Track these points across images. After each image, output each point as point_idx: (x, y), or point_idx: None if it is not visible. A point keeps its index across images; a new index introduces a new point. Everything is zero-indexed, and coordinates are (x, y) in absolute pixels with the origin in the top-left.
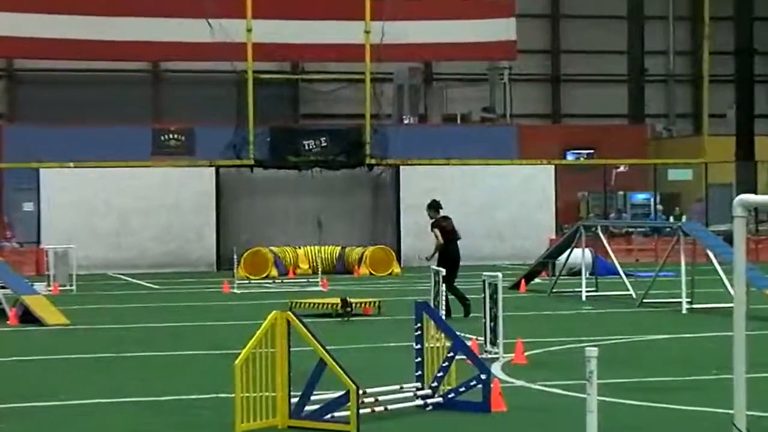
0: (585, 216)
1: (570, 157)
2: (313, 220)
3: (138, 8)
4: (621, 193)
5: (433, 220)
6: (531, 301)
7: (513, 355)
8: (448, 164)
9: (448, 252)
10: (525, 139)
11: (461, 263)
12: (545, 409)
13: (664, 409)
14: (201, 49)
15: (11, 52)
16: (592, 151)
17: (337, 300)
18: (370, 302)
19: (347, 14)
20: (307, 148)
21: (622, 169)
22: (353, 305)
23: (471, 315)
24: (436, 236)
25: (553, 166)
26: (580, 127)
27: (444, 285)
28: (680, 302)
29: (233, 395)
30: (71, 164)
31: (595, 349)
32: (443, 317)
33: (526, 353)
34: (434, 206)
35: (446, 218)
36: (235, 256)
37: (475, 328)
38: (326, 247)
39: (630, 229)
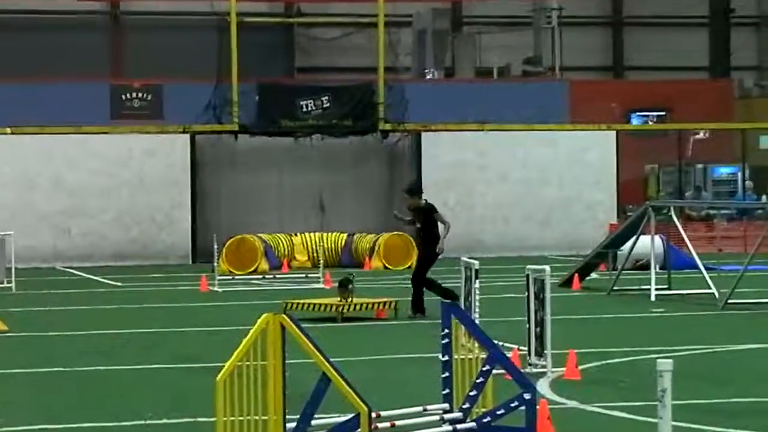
0: (654, 195)
1: (635, 121)
2: (314, 200)
3: None
4: (700, 165)
5: (427, 205)
6: (586, 302)
7: (564, 369)
8: (482, 130)
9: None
10: (578, 98)
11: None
12: None
13: None
14: None
15: None
16: (663, 113)
17: (339, 299)
18: (384, 303)
19: None
20: (305, 109)
21: (701, 135)
22: (352, 292)
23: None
24: (443, 220)
25: (614, 132)
26: (648, 82)
27: (417, 281)
28: None
29: (214, 419)
30: (8, 130)
31: (669, 361)
32: (475, 321)
33: (579, 367)
34: (416, 190)
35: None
36: (215, 246)
37: (517, 335)
38: (329, 234)
39: (711, 212)
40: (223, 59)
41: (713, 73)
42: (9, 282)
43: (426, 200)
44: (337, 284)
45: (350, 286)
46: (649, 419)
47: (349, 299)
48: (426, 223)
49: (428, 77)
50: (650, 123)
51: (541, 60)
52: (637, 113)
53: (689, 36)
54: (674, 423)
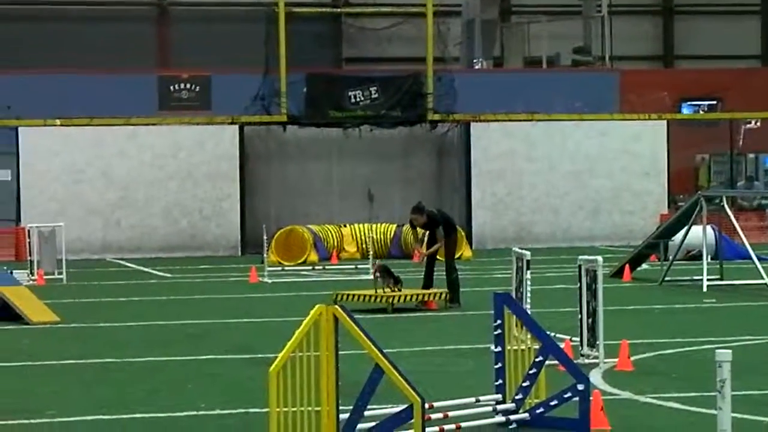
0: (706, 185)
1: (686, 111)
2: (363, 191)
3: None
4: (752, 155)
5: (430, 218)
6: (638, 293)
7: (617, 359)
8: (531, 120)
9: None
10: (628, 87)
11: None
12: (659, 428)
13: None
14: None
15: None
16: (714, 102)
17: (392, 292)
18: (434, 294)
19: None
20: (353, 100)
21: (753, 124)
22: (399, 282)
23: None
24: (440, 237)
25: (664, 122)
26: (698, 71)
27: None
28: None
29: (267, 410)
30: (57, 121)
31: (728, 351)
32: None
33: (632, 357)
34: (423, 208)
35: (439, 212)
36: (264, 237)
37: (569, 326)
38: (378, 225)
39: (764, 201)
40: (271, 50)
41: (765, 61)
42: (60, 273)
43: (433, 210)
44: (376, 274)
45: (391, 276)
46: (704, 410)
47: (398, 287)
48: (438, 226)
49: (477, 67)
50: (701, 112)
51: (590, 49)
52: (688, 102)
53: (741, 24)
54: (732, 414)
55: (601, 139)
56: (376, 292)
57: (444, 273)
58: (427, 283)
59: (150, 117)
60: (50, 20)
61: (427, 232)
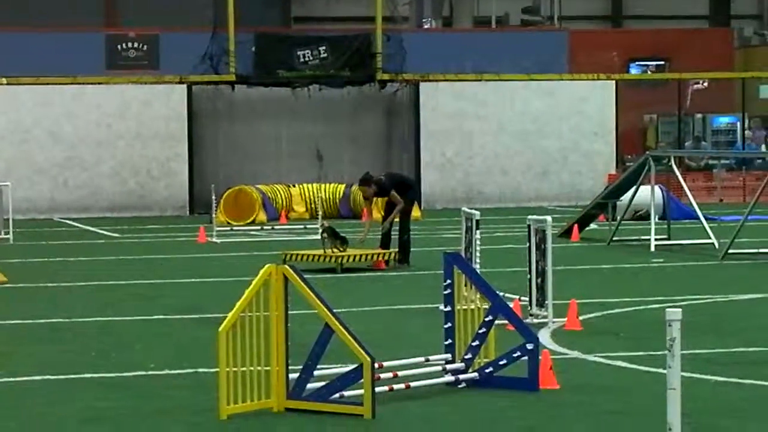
0: (653, 145)
1: (635, 71)
2: (312, 151)
3: None
4: (699, 115)
5: (380, 186)
6: (586, 252)
7: (565, 319)
8: (481, 80)
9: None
10: (577, 47)
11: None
12: (607, 387)
13: (758, 386)
14: None
15: None
16: (662, 62)
17: (339, 251)
18: (383, 254)
19: None
20: (302, 59)
21: (700, 85)
22: (345, 243)
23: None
24: (395, 198)
25: (613, 83)
26: (647, 31)
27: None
28: None
29: (216, 370)
30: (3, 80)
31: (678, 310)
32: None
33: (581, 317)
34: (369, 178)
35: (388, 176)
36: (213, 197)
37: (519, 286)
38: (327, 184)
39: (711, 162)
40: (220, 8)
41: (713, 22)
42: (7, 233)
43: (380, 177)
44: (323, 235)
45: (338, 237)
46: (651, 369)
47: (344, 247)
48: (390, 192)
49: (426, 27)
50: (649, 72)
51: (539, 9)
52: (637, 63)
53: None
54: (681, 373)
55: (550, 99)
56: (324, 252)
57: (397, 233)
58: (385, 241)
59: (97, 76)
60: None
61: (383, 200)
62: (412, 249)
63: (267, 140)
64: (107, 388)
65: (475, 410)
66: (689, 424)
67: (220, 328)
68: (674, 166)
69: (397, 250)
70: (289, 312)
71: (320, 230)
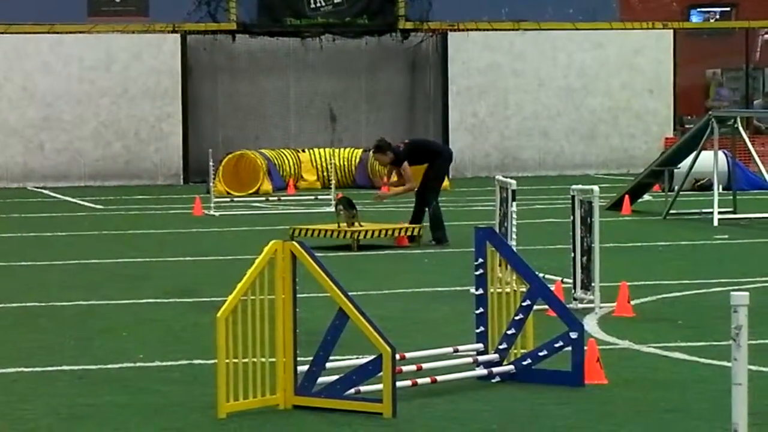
0: (717, 105)
1: (695, 18)
2: (324, 111)
3: None
4: None
5: (396, 155)
6: (639, 228)
7: (614, 304)
8: (518, 29)
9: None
10: None
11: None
12: (663, 382)
13: None
14: None
15: None
16: (728, 8)
17: (357, 226)
18: (406, 228)
19: None
20: (313, 5)
21: None
22: (357, 218)
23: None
24: (405, 173)
25: (670, 32)
26: None
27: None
28: None
29: (214, 362)
30: None
31: (745, 294)
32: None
33: (632, 302)
34: (386, 146)
35: (409, 144)
36: (210, 164)
37: (561, 265)
38: (342, 149)
39: None
40: None
41: None
42: None
43: (398, 145)
44: (338, 207)
45: (355, 209)
46: (713, 362)
47: (357, 223)
48: (402, 163)
49: None
50: (712, 21)
51: None
52: (698, 9)
53: None
54: (748, 366)
55: (598, 51)
56: (338, 226)
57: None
58: (417, 217)
59: (78, 24)
60: None
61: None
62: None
63: (272, 98)
64: (90, 382)
65: (511, 408)
66: (757, 425)
67: (219, 314)
68: (741, 129)
69: (420, 226)
70: (298, 295)
71: (334, 201)
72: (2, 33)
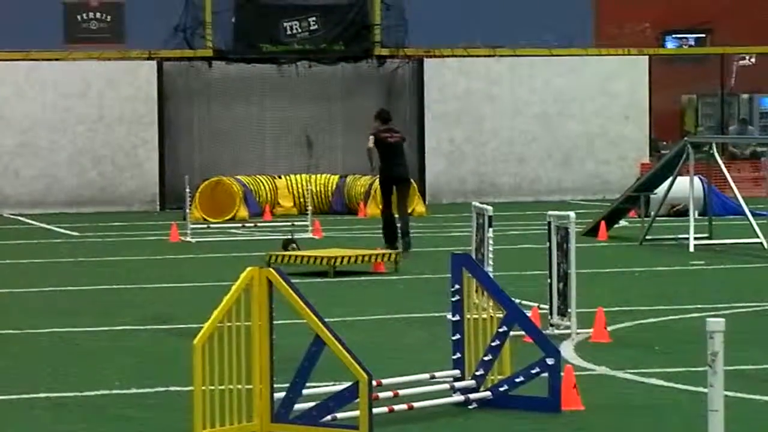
0: (693, 130)
1: (671, 45)
2: (300, 136)
3: None
4: (745, 96)
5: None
6: (615, 253)
7: (591, 330)
8: (494, 55)
9: (384, 172)
10: (605, 16)
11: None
12: (639, 407)
13: None
14: None
15: None
16: (703, 34)
17: (334, 252)
18: (383, 255)
19: None
20: (289, 32)
21: (747, 60)
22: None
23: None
24: (369, 148)
25: (645, 57)
26: None
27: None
28: None
29: (190, 389)
30: None
31: (721, 320)
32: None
33: (609, 328)
34: (380, 116)
35: (390, 130)
36: (186, 190)
37: (538, 291)
38: (318, 175)
39: (759, 149)
40: None
41: None
42: None
43: (384, 127)
44: (290, 247)
45: (293, 245)
46: (691, 387)
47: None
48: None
49: None
50: (687, 47)
51: None
52: (673, 35)
53: None
54: (724, 392)
55: (574, 76)
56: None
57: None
58: (389, 235)
59: (54, 50)
60: None
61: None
62: (415, 249)
63: (249, 124)
64: (64, 409)
65: None
66: None
67: (195, 340)
68: (716, 154)
69: (398, 251)
70: (274, 322)
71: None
72: None
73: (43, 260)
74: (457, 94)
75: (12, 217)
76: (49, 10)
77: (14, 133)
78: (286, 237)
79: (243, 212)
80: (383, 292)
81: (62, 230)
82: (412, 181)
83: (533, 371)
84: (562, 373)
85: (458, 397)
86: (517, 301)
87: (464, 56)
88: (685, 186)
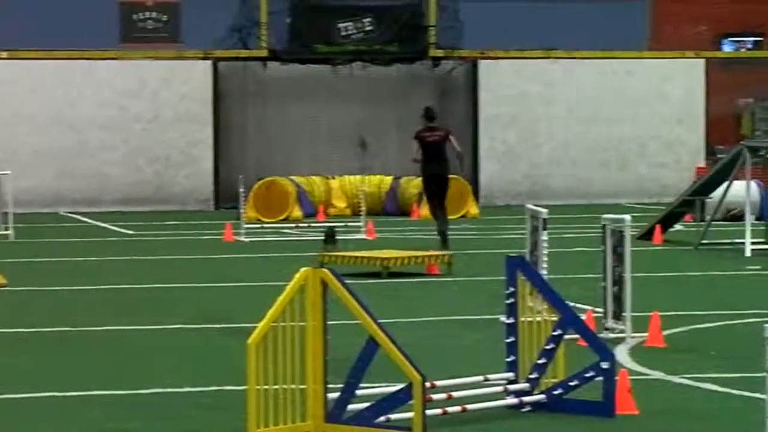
0: (750, 134)
1: (727, 48)
2: (354, 138)
3: None
4: None
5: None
6: (671, 257)
7: (646, 334)
8: (548, 57)
9: (424, 171)
10: (661, 20)
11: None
12: (694, 413)
13: None
14: None
15: None
16: (760, 38)
17: (387, 254)
18: (436, 256)
19: None
20: (344, 33)
21: None
22: (335, 239)
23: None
24: (414, 159)
25: (702, 61)
26: (742, 2)
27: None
28: None
29: (244, 388)
30: (3, 54)
31: None
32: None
33: (664, 332)
34: (425, 114)
35: (431, 128)
36: (241, 190)
37: (592, 295)
38: (372, 176)
39: None
40: None
41: None
42: (7, 229)
43: (425, 126)
44: (323, 238)
45: (335, 237)
46: (747, 393)
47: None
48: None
49: None
50: (744, 50)
51: None
52: (730, 38)
53: None
54: None
55: (628, 79)
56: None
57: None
58: (443, 238)
59: (110, 50)
60: None
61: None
62: (468, 251)
63: (303, 125)
64: (118, 407)
65: None
66: None
67: (249, 340)
68: None
69: (450, 253)
70: (328, 322)
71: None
72: (34, 59)
73: (99, 258)
74: (511, 96)
75: (68, 215)
76: (105, 10)
77: (71, 133)
78: (329, 227)
79: (297, 212)
80: (437, 293)
81: (117, 229)
82: (459, 178)
83: (588, 375)
84: (616, 378)
85: (512, 400)
86: (572, 304)
87: (518, 58)
88: (742, 190)
